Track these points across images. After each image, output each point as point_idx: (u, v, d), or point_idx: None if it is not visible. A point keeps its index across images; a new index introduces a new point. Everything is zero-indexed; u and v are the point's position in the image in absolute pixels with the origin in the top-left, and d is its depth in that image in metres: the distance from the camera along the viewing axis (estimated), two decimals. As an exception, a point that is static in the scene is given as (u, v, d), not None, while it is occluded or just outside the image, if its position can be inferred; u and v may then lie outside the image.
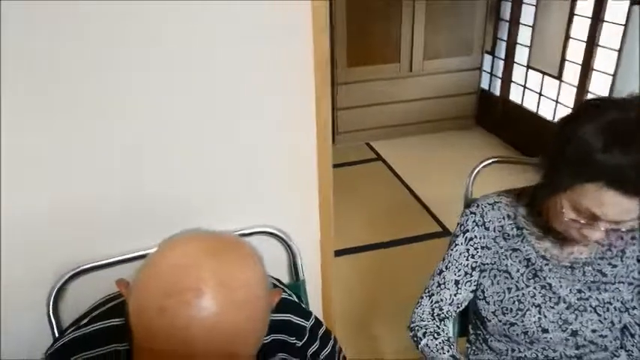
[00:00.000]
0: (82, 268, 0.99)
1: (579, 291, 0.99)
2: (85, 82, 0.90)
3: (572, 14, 2.89)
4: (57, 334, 0.99)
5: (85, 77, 0.89)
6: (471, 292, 1.06)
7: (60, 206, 0.97)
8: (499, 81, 3.63)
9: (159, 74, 0.93)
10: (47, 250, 1.00)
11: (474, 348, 1.14)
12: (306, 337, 0.82)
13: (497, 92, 3.66)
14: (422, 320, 1.07)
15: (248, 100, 1.01)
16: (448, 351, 1.02)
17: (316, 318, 0.86)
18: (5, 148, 0.90)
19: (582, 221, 0.86)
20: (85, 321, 0.76)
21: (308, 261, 1.14)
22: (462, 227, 1.06)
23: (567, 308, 0.99)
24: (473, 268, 1.04)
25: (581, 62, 2.85)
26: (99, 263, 1.00)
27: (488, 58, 3.68)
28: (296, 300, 0.84)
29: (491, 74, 3.71)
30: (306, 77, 1.02)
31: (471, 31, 3.54)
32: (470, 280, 1.05)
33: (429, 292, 1.08)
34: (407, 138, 3.70)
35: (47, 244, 0.99)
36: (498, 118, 3.65)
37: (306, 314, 0.84)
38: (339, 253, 2.37)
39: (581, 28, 2.83)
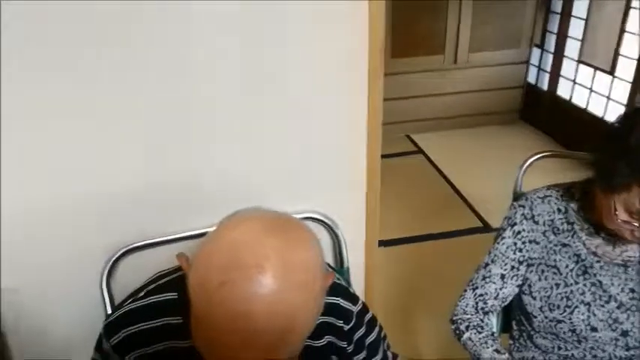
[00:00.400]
0: (133, 245, 1.02)
1: (632, 290, 0.96)
2: (160, 71, 0.93)
3: (628, 7, 2.77)
4: (109, 309, 1.03)
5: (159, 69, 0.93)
6: (517, 286, 1.04)
7: (114, 186, 1.01)
8: (547, 75, 3.53)
9: (222, 69, 0.97)
10: (101, 228, 1.03)
11: (517, 344, 1.12)
12: (353, 322, 0.82)
13: (544, 87, 3.56)
14: (465, 313, 1.07)
15: (302, 91, 1.02)
16: (492, 345, 1.01)
17: (363, 303, 0.86)
18: (61, 128, 0.94)
19: (635, 223, 0.84)
20: (141, 294, 0.79)
21: (352, 249, 1.15)
22: (510, 220, 1.04)
23: (618, 307, 0.96)
24: (520, 262, 1.03)
25: (637, 57, 2.74)
26: (150, 241, 1.03)
27: (536, 51, 3.57)
28: (344, 284, 0.85)
29: (539, 68, 3.61)
30: (359, 67, 1.03)
31: (520, 23, 3.45)
32: (516, 275, 1.03)
33: (473, 285, 1.07)
34: (448, 131, 3.65)
35: (101, 223, 1.03)
36: (544, 114, 3.55)
37: (354, 298, 0.84)
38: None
39: (637, 21, 2.72)
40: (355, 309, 0.83)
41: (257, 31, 0.95)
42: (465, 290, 1.08)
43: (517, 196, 1.16)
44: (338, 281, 0.83)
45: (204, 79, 0.97)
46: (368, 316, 0.86)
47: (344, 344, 0.82)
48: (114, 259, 1.01)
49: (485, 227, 2.59)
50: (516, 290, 1.05)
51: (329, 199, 1.11)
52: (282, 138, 1.06)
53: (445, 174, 3.12)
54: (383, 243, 2.41)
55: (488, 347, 1.01)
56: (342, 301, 0.82)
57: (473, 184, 2.95)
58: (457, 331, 1.07)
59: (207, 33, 0.93)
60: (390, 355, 0.91)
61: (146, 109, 0.97)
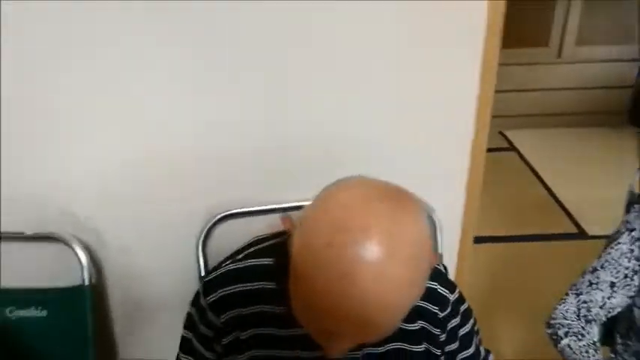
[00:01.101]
0: (231, 212, 1.05)
1: None
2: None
3: None
4: (202, 270, 1.06)
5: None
6: (629, 297, 0.95)
7: (217, 152, 1.03)
8: (662, 76, 3.22)
9: (343, 52, 0.98)
10: (203, 192, 1.06)
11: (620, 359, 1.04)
12: (448, 310, 0.79)
13: (658, 88, 3.26)
14: (565, 319, 0.99)
15: (414, 74, 1.01)
16: (593, 355, 0.93)
17: (460, 293, 0.82)
18: (177, 88, 0.97)
19: None
20: (239, 257, 0.80)
21: (447, 240, 1.11)
22: (628, 225, 0.95)
23: None
24: (635, 272, 0.94)
25: None
26: (249, 209, 1.05)
27: (652, 48, 3.27)
28: (443, 270, 0.81)
29: (653, 67, 3.30)
30: (474, 53, 1.01)
31: (634, 18, 3.15)
32: (629, 285, 0.94)
33: (576, 290, 0.99)
34: (546, 130, 3.43)
35: (204, 187, 1.06)
36: (656, 117, 3.26)
37: (451, 286, 0.81)
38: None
39: None
40: (452, 297, 0.80)
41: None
42: (567, 294, 1.01)
43: (634, 200, 1.06)
44: (437, 266, 0.80)
45: (337, 45, 0.97)
46: (464, 307, 0.83)
47: (437, 332, 0.79)
48: (212, 222, 1.04)
49: (581, 234, 2.43)
50: (627, 302, 0.96)
51: (428, 184, 1.07)
52: (395, 115, 1.04)
53: (539, 174, 2.95)
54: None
55: (589, 357, 0.93)
56: (439, 286, 0.79)
57: (570, 187, 2.77)
58: (554, 336, 1.00)
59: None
60: (482, 350, 0.87)
61: (267, 70, 0.97)
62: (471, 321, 0.84)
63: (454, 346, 0.81)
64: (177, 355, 0.85)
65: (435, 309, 0.78)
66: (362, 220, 0.56)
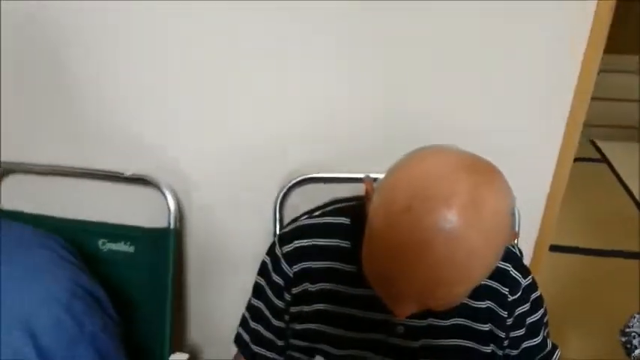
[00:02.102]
0: (312, 175, 1.08)
1: None
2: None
3: None
4: (278, 230, 1.10)
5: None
6: None
7: (298, 117, 1.07)
8: None
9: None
10: (280, 157, 1.10)
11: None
12: (518, 294, 0.78)
13: None
14: (642, 328, 0.95)
15: (511, 72, 0.99)
16: (669, 369, 0.89)
17: (533, 279, 0.81)
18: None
19: None
20: (317, 213, 0.84)
21: (522, 244, 1.08)
22: None
23: None
24: None
25: None
26: (329, 175, 1.07)
27: None
28: (518, 253, 0.80)
29: None
30: (574, 56, 0.97)
31: None
32: None
33: None
34: (640, 144, 3.21)
35: (285, 151, 1.10)
36: None
37: (525, 271, 0.79)
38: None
39: None
40: (524, 282, 0.79)
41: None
42: None
43: None
44: (512, 248, 0.79)
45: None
46: (535, 295, 0.81)
47: (504, 314, 0.78)
48: (291, 184, 1.08)
49: (666, 256, 2.26)
50: None
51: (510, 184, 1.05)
52: (487, 108, 1.03)
53: (630, 189, 2.76)
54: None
55: (664, 370, 0.89)
56: (512, 269, 0.78)
57: (660, 206, 2.58)
58: (628, 345, 0.96)
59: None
60: (549, 343, 0.85)
61: (386, 42, 0.99)
62: (541, 311, 0.82)
63: (520, 332, 0.80)
64: (249, 299, 0.90)
65: (504, 290, 0.77)
66: (445, 188, 0.56)
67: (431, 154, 0.62)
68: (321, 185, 1.10)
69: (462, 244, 0.56)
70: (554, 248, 2.26)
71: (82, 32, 1.04)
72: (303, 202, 1.10)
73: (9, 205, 1.23)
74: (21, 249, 0.78)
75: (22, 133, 1.17)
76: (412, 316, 0.75)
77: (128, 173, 1.12)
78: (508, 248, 0.78)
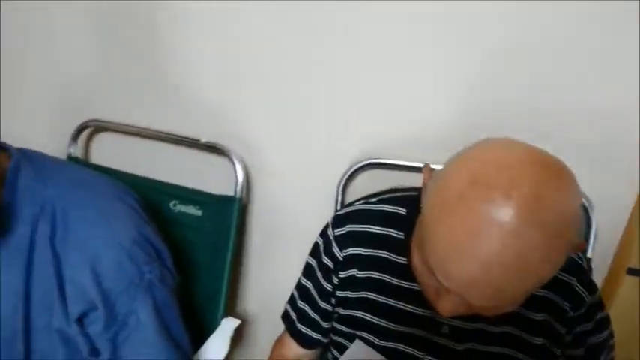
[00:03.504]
0: (375, 161, 1.06)
1: None
2: None
3: None
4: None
5: None
6: None
7: (373, 101, 1.05)
8: None
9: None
10: (351, 138, 1.09)
11: None
12: (581, 311, 0.72)
13: None
14: None
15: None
16: None
17: (600, 298, 0.74)
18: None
19: None
20: (373, 200, 0.82)
21: (597, 262, 1.00)
22: None
23: None
24: None
25: None
26: (394, 162, 1.05)
27: None
28: (585, 266, 0.74)
29: None
30: None
31: None
32: None
33: None
34: None
35: (352, 134, 1.09)
36: None
37: (592, 288, 0.73)
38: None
39: None
40: (589, 300, 0.72)
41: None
42: None
43: None
44: (580, 261, 0.73)
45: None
46: (601, 315, 0.74)
47: (562, 330, 0.72)
48: (357, 167, 1.07)
49: None
50: None
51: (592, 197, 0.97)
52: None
53: None
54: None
55: None
56: (577, 283, 0.71)
57: None
58: None
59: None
60: None
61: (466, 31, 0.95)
62: (606, 332, 0.75)
63: (579, 352, 0.74)
64: (299, 278, 0.91)
65: (565, 305, 0.71)
66: (505, 178, 0.52)
67: (495, 144, 0.57)
68: (388, 172, 1.08)
69: (515, 241, 0.51)
70: (632, 271, 2.07)
71: (174, 9, 1.09)
72: (368, 186, 1.08)
73: (96, 159, 1.33)
74: (97, 196, 0.85)
75: (112, 96, 1.25)
76: (459, 318, 0.72)
77: (204, 140, 1.16)
78: (574, 260, 0.72)
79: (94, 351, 0.82)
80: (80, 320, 0.79)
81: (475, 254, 0.52)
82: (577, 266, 0.72)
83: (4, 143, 0.82)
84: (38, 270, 0.78)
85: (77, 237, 0.78)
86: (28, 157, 0.81)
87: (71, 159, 1.29)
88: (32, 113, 1.36)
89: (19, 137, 0.86)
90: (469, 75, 0.98)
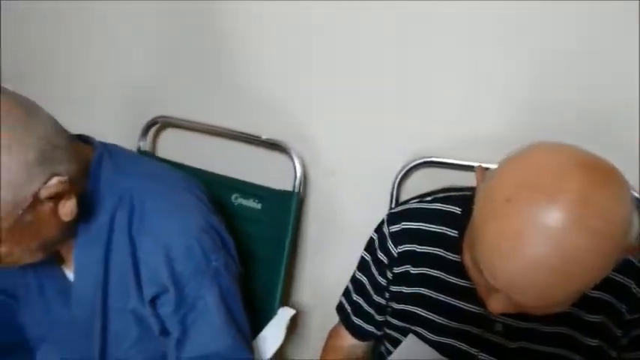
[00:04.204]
0: (431, 159, 1.08)
1: None
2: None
3: None
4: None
5: None
6: None
7: (432, 100, 1.06)
8: None
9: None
10: (408, 137, 1.11)
11: None
12: (638, 315, 0.71)
13: None
14: None
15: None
16: None
17: (659, 302, 0.73)
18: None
19: None
20: (428, 198, 0.84)
21: None
22: None
23: None
24: None
25: None
26: (450, 161, 1.06)
27: None
28: (644, 270, 0.73)
29: None
30: None
31: None
32: None
33: None
34: None
35: (410, 133, 1.10)
36: None
37: (651, 293, 0.72)
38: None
39: None
40: (646, 304, 0.72)
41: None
42: None
43: None
44: (638, 264, 0.72)
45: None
46: None
47: (618, 332, 0.72)
48: (412, 165, 1.09)
49: None
50: None
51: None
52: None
53: None
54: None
55: None
56: (635, 286, 0.71)
57: None
58: None
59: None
60: None
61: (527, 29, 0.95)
62: None
63: (636, 355, 0.74)
64: (354, 272, 0.94)
65: (622, 308, 0.71)
66: (552, 182, 0.53)
67: (544, 147, 0.59)
68: (443, 170, 1.09)
69: (561, 244, 0.52)
70: None
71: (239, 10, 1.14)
72: (422, 184, 1.10)
73: (162, 153, 1.41)
74: (169, 187, 0.91)
75: (179, 94, 1.33)
76: (513, 316, 0.74)
77: (264, 137, 1.21)
78: (632, 262, 0.71)
79: (164, 331, 0.89)
80: (153, 302, 0.86)
81: (520, 256, 0.54)
82: (635, 269, 0.71)
83: (89, 137, 0.90)
84: (115, 255, 0.86)
85: (152, 225, 0.84)
86: (109, 150, 0.89)
87: (140, 152, 1.37)
88: (106, 109, 1.46)
89: (94, 131, 0.93)
90: (528, 76, 0.97)
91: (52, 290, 0.92)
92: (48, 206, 0.75)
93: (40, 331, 0.98)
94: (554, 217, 0.52)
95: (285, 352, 1.54)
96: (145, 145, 1.38)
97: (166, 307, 0.86)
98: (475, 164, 1.00)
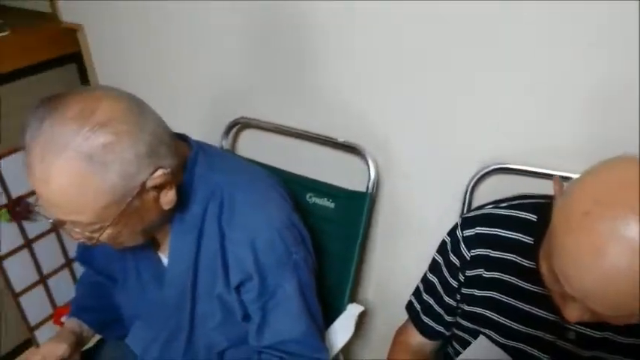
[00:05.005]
0: (502, 166, 1.09)
1: None
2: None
3: None
4: (464, 211, 1.14)
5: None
6: None
7: (507, 105, 1.06)
8: None
9: None
10: (481, 143, 1.12)
11: None
12: None
13: None
14: None
15: None
16: None
17: None
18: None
19: None
20: (503, 205, 0.86)
21: None
22: None
23: None
24: None
25: None
26: (524, 167, 1.06)
27: None
28: None
29: None
30: None
31: None
32: None
33: None
34: None
35: (475, 139, 1.12)
36: None
37: None
38: None
39: None
40: None
41: None
42: None
43: None
44: None
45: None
46: None
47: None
48: (486, 171, 1.10)
49: None
50: None
51: None
52: None
53: None
54: None
55: None
56: None
57: None
58: None
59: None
60: None
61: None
62: None
63: None
64: (425, 272, 0.97)
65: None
66: (631, 197, 0.55)
67: (625, 162, 0.60)
68: (518, 178, 1.09)
69: (637, 258, 0.54)
70: None
71: (319, 14, 1.20)
72: (496, 190, 1.10)
73: (243, 152, 1.50)
74: (256, 184, 0.99)
75: (260, 96, 1.40)
76: (587, 325, 0.75)
77: (341, 140, 1.27)
78: None
79: (246, 317, 0.96)
80: (237, 289, 0.93)
81: (600, 268, 0.56)
82: None
83: (185, 135, 0.99)
84: (206, 243, 0.94)
85: (240, 218, 0.91)
86: (204, 148, 0.97)
87: (228, 152, 1.47)
88: (192, 110, 1.56)
89: (181, 130, 1.01)
90: (613, 85, 0.95)
91: (148, 273, 1.02)
92: (152, 195, 0.84)
93: (135, 309, 1.08)
94: (633, 230, 0.54)
95: (349, 350, 1.59)
96: (227, 143, 1.47)
97: (249, 293, 0.93)
98: (551, 172, 1.02)
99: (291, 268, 0.94)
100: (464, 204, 1.14)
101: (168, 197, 0.86)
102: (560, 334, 0.78)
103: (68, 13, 1.65)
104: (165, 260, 0.99)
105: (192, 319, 0.99)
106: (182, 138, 0.97)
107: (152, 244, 1.00)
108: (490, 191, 1.12)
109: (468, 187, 1.13)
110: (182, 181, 0.91)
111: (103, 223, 0.80)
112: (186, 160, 0.93)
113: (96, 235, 0.82)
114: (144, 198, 0.83)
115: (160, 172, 0.82)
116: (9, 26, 1.54)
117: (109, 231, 0.82)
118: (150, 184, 0.81)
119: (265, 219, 0.92)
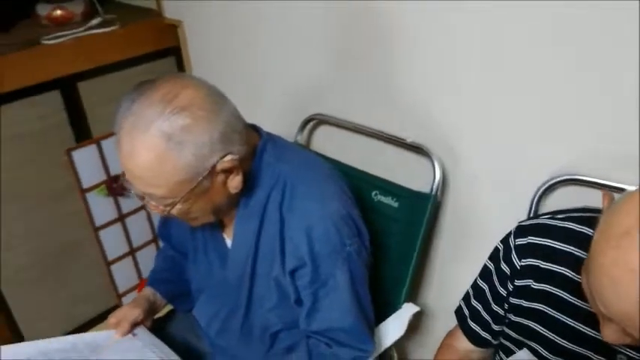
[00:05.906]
0: (572, 177, 1.05)
1: None
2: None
3: None
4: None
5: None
6: None
7: (580, 117, 1.02)
8: None
9: None
10: (547, 151, 1.08)
11: None
12: None
13: None
14: None
15: None
16: None
17: None
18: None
19: None
20: (561, 216, 0.83)
21: None
22: None
23: None
24: None
25: None
26: (590, 179, 1.02)
27: None
28: None
29: None
30: None
31: None
32: None
33: None
34: None
35: (546, 148, 1.08)
36: None
37: None
38: None
39: None
40: None
41: None
42: None
43: None
44: None
45: None
46: None
47: None
48: (554, 181, 1.06)
49: None
50: None
51: None
52: None
53: None
54: None
55: None
56: None
57: None
58: None
59: None
60: None
61: None
62: None
63: None
64: (476, 278, 0.97)
65: None
66: None
67: None
68: (589, 190, 1.05)
69: None
70: None
71: (407, 15, 1.22)
72: (563, 200, 1.07)
73: (315, 147, 1.56)
74: (318, 176, 1.04)
75: (335, 94, 1.45)
76: (637, 349, 0.72)
77: (409, 140, 1.28)
78: None
79: (299, 301, 1.01)
80: (292, 273, 0.99)
81: (631, 291, 0.55)
82: None
83: (257, 126, 1.06)
84: (267, 228, 1.00)
85: (300, 207, 0.97)
86: (273, 140, 1.04)
87: (297, 144, 1.54)
88: (270, 105, 1.65)
89: (259, 123, 1.09)
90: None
91: (214, 253, 1.11)
92: (221, 178, 0.91)
93: (201, 284, 1.18)
94: None
95: (405, 351, 1.60)
96: (301, 138, 1.54)
97: (303, 279, 0.98)
98: (624, 186, 0.97)
99: (344, 258, 0.97)
100: (529, 213, 1.11)
101: (235, 181, 0.93)
102: (609, 356, 0.75)
103: (171, 10, 1.81)
104: (229, 242, 1.07)
105: (250, 300, 1.06)
106: (254, 128, 1.05)
107: (219, 226, 1.08)
108: (558, 202, 1.09)
109: (535, 195, 1.10)
110: (250, 168, 0.98)
111: (174, 198, 0.89)
112: (256, 149, 1.00)
113: (168, 208, 0.91)
114: (213, 179, 0.91)
115: (229, 157, 0.89)
116: (119, 21, 1.71)
117: (179, 206, 0.91)
118: (220, 167, 0.89)
119: (323, 210, 0.97)
